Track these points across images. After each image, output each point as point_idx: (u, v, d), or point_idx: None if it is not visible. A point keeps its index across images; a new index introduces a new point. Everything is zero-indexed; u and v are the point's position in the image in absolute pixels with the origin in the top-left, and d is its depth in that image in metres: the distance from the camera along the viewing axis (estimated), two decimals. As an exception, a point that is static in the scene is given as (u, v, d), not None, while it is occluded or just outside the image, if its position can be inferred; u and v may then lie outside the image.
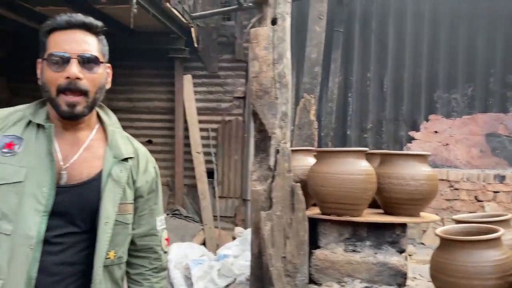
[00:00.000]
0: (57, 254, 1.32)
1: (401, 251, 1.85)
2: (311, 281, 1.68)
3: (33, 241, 1.26)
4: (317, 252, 1.70)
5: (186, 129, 5.14)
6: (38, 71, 1.36)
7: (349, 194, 1.69)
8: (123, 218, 1.38)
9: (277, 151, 1.64)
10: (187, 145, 5.14)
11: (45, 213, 1.27)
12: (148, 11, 4.11)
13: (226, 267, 3.80)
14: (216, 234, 4.95)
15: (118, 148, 1.43)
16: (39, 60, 1.37)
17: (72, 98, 1.27)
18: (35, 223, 1.25)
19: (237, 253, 4.07)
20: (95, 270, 1.32)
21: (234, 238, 4.93)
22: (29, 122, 1.33)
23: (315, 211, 1.81)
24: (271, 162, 1.64)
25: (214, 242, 4.91)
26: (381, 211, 2.01)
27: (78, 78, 1.26)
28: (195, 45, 5.05)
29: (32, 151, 1.31)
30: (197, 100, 5.19)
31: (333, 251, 1.67)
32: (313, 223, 1.73)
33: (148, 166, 1.52)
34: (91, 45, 1.30)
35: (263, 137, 1.68)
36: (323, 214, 1.76)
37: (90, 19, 1.30)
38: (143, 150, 1.56)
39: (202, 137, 5.15)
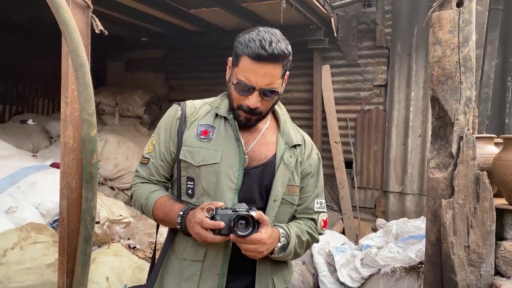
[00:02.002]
0: None
1: None
2: (497, 272, 1.59)
3: None
4: (505, 243, 1.59)
5: (324, 119, 5.19)
6: (228, 71, 1.56)
7: (545, 185, 1.54)
8: (290, 199, 1.53)
9: (461, 138, 1.57)
10: (325, 135, 5.19)
11: (236, 191, 1.47)
12: (292, 4, 4.23)
13: (369, 257, 3.77)
14: (355, 224, 4.93)
15: (288, 135, 1.58)
16: (229, 58, 1.55)
17: (248, 116, 1.46)
18: (229, 199, 1.45)
19: (380, 244, 4.01)
20: None
21: (373, 230, 4.86)
22: (217, 113, 1.53)
23: (499, 202, 1.70)
24: (453, 149, 1.57)
25: (354, 232, 4.90)
26: None
27: (256, 108, 1.44)
28: (335, 34, 5.05)
29: (222, 137, 1.52)
30: (335, 90, 5.19)
31: (524, 244, 1.55)
32: (496, 213, 1.63)
33: (312, 152, 1.66)
34: (275, 77, 1.42)
35: (443, 124, 1.62)
36: (510, 204, 1.64)
37: (280, 49, 1.37)
38: (308, 138, 1.69)
39: (340, 127, 5.15)
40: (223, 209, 1.32)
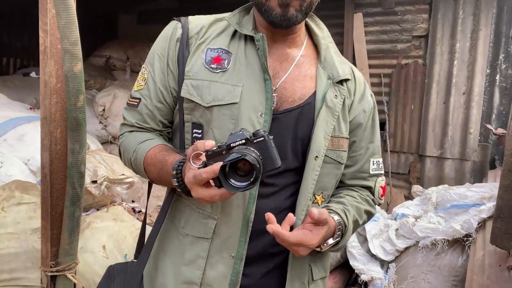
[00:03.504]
0: (269, 197, 1.07)
1: None
2: None
3: None
4: None
5: (354, 74, 4.67)
6: None
7: None
8: (336, 155, 1.12)
9: None
10: (355, 92, 4.68)
11: None
12: None
13: (406, 228, 3.36)
14: (387, 191, 4.49)
15: (333, 66, 1.13)
16: None
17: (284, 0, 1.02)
18: None
19: (418, 213, 3.57)
20: (297, 212, 1.05)
21: (406, 197, 4.42)
22: (235, 33, 1.12)
23: None
24: None
25: (384, 200, 4.45)
26: None
27: None
28: (370, -23, 4.45)
29: (242, 67, 1.06)
30: (369, 42, 4.64)
31: None
32: None
33: (366, 92, 1.19)
34: None
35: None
36: None
37: None
38: (359, 72, 1.22)
39: (373, 84, 4.63)
40: (215, 149, 0.89)
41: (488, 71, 4.14)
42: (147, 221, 2.63)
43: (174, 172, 0.98)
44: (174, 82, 1.12)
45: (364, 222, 1.20)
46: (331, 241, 1.05)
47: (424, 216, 3.43)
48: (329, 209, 1.09)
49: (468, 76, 4.20)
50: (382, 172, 1.24)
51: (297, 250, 0.97)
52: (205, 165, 0.89)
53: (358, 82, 1.20)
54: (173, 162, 1.00)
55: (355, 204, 1.16)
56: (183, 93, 1.09)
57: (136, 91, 1.18)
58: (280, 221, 1.06)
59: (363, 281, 3.30)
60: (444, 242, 3.10)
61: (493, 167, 4.12)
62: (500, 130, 3.68)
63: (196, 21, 1.16)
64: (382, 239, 3.45)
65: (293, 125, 1.08)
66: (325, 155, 1.09)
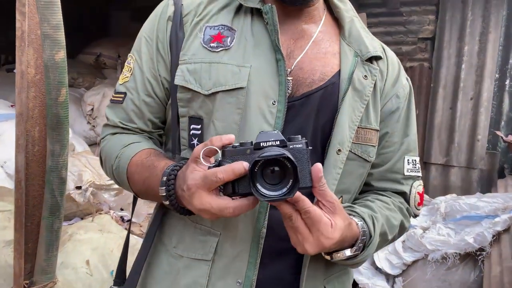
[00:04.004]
0: None
1: None
2: None
3: None
4: None
5: (357, 77, 4.50)
6: None
7: None
8: (362, 151, 0.95)
9: None
10: (358, 96, 4.52)
11: None
12: None
13: (413, 239, 3.17)
14: (389, 200, 4.31)
15: (360, 41, 0.98)
16: None
17: None
18: None
19: (426, 224, 3.39)
20: None
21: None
22: (240, 7, 0.96)
23: None
24: None
25: (387, 208, 4.28)
26: None
27: None
28: (375, -25, 4.30)
29: (249, 46, 0.92)
30: (372, 43, 4.48)
31: None
32: None
33: (400, 75, 1.04)
34: None
35: None
36: None
37: None
38: (391, 51, 1.09)
39: (376, 87, 4.47)
40: (236, 145, 0.72)
41: (497, 75, 4.00)
42: (137, 231, 2.39)
43: (165, 179, 0.78)
44: (166, 71, 0.95)
45: (394, 238, 1.00)
46: (348, 252, 0.83)
47: (432, 228, 3.25)
48: (353, 211, 0.90)
49: (476, 81, 4.06)
50: (420, 174, 1.05)
51: (304, 241, 0.73)
52: (218, 166, 0.69)
53: (391, 62, 1.01)
54: (164, 167, 0.81)
55: (386, 212, 0.96)
56: (178, 81, 0.91)
57: (120, 84, 1.01)
58: None
59: (367, 296, 3.10)
60: (456, 256, 2.92)
61: (501, 176, 3.96)
62: (511, 137, 3.53)
63: None
64: (388, 252, 3.26)
65: (314, 113, 0.90)
66: (350, 151, 0.91)
